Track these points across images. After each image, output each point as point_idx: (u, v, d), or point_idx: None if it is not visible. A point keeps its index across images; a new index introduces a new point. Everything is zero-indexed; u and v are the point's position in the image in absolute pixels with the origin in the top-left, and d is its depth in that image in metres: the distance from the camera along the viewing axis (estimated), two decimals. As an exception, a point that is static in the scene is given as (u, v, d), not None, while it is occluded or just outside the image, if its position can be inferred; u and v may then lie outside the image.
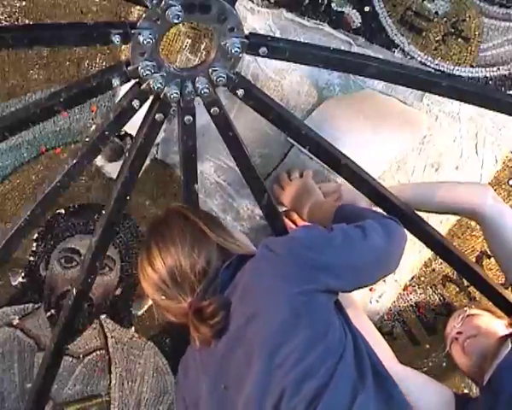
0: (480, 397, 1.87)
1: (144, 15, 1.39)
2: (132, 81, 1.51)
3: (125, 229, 2.08)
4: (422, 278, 2.22)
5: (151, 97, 1.54)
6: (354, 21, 1.88)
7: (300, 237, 1.48)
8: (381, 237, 1.49)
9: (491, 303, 2.01)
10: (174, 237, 1.49)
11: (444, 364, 2.30)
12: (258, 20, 1.83)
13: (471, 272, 1.94)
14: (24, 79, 1.82)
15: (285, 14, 1.85)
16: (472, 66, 1.94)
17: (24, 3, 1.73)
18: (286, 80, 1.92)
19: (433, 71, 1.92)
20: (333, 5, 1.86)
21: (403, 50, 1.91)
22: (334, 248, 1.45)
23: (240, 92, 1.57)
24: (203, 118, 1.63)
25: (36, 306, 2.13)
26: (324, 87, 1.94)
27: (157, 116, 1.56)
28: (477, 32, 1.91)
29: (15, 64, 1.80)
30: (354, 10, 1.87)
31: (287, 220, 1.92)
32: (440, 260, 2.14)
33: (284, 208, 1.97)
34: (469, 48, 1.93)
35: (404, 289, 2.22)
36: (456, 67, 1.94)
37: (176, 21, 1.39)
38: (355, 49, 1.88)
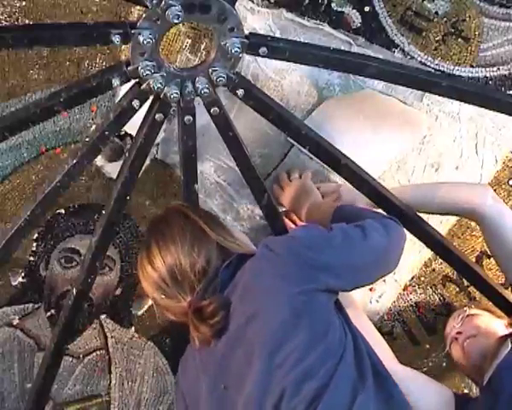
0: (479, 397, 1.87)
1: (144, 15, 1.39)
2: (132, 81, 1.51)
3: (125, 229, 2.08)
4: (422, 278, 2.22)
5: (151, 97, 1.54)
6: (354, 21, 1.88)
7: (300, 236, 1.48)
8: (380, 236, 1.49)
9: (490, 303, 2.01)
10: (174, 235, 1.49)
11: (444, 364, 2.30)
12: (258, 20, 1.83)
13: (471, 272, 1.94)
14: (24, 79, 1.82)
15: (285, 14, 1.85)
16: (472, 66, 1.94)
17: (24, 3, 1.73)
18: (286, 80, 1.92)
19: (433, 71, 1.92)
20: (333, 5, 1.86)
21: (403, 50, 1.91)
22: (334, 248, 1.45)
23: (240, 92, 1.57)
24: (203, 118, 1.63)
25: (36, 306, 2.13)
26: (324, 87, 1.94)
27: (157, 116, 1.56)
28: (477, 32, 1.91)
29: (15, 64, 1.80)
30: (354, 10, 1.87)
31: (287, 220, 1.92)
32: (440, 260, 2.14)
33: (284, 208, 1.97)
34: (469, 48, 1.93)
35: (404, 289, 2.22)
36: (456, 67, 1.94)
37: (176, 21, 1.39)
38: (355, 49, 1.88)
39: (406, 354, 2.21)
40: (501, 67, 1.95)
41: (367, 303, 2.21)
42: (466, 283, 2.18)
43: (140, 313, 2.19)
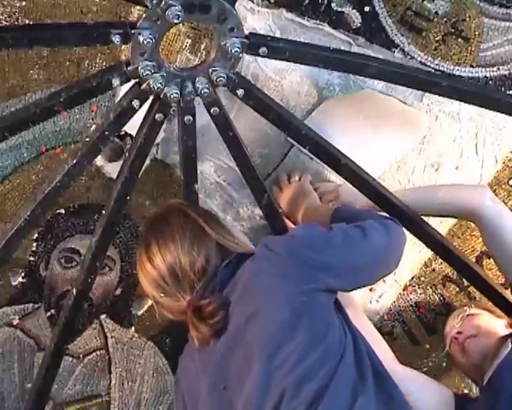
0: (480, 397, 1.87)
1: (144, 15, 1.39)
2: (132, 81, 1.51)
3: (125, 229, 2.08)
4: (422, 278, 2.22)
5: (151, 97, 1.54)
6: (354, 21, 1.88)
7: (300, 236, 1.48)
8: (380, 236, 1.49)
9: (490, 303, 2.01)
10: (174, 233, 1.48)
11: (444, 364, 2.30)
12: (258, 20, 1.83)
13: (471, 272, 1.94)
14: (24, 79, 1.82)
15: (285, 14, 1.85)
16: (472, 66, 1.94)
17: (24, 3, 1.73)
18: (286, 80, 1.92)
19: (433, 71, 1.92)
20: (333, 5, 1.86)
21: (403, 50, 1.91)
22: (334, 248, 1.45)
23: (240, 92, 1.57)
24: (203, 118, 1.63)
25: (36, 306, 2.13)
26: (324, 87, 1.94)
27: (157, 116, 1.56)
28: (477, 32, 1.91)
29: (15, 64, 1.80)
30: (354, 10, 1.87)
31: (287, 220, 1.92)
32: (440, 260, 2.14)
33: (283, 209, 1.97)
34: (469, 48, 1.93)
35: (404, 289, 2.22)
36: (456, 67, 1.94)
37: (176, 21, 1.39)
38: (355, 49, 1.88)
39: (406, 354, 2.21)
40: (501, 67, 1.95)
41: (367, 303, 2.21)
42: (466, 283, 2.18)
43: (140, 313, 2.19)
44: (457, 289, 2.22)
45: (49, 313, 2.11)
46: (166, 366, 2.25)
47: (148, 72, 1.46)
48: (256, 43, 1.50)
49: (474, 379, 2.02)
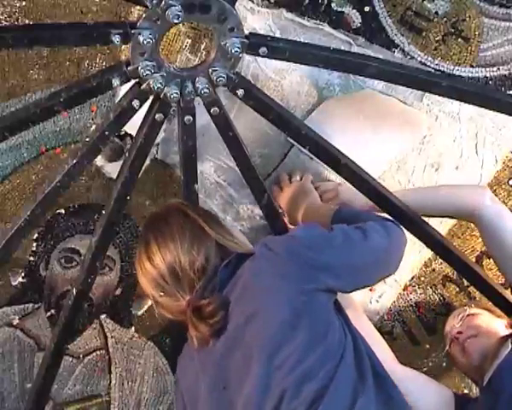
0: (480, 397, 1.87)
1: (144, 15, 1.39)
2: (132, 81, 1.51)
3: (125, 229, 2.08)
4: (422, 278, 2.22)
5: (151, 97, 1.54)
6: (354, 21, 1.88)
7: (300, 236, 1.48)
8: (381, 237, 1.49)
9: (490, 303, 2.01)
10: (173, 233, 1.48)
11: (444, 364, 2.30)
12: (258, 20, 1.83)
13: (471, 272, 1.94)
14: (24, 79, 1.82)
15: (285, 14, 1.85)
16: (472, 66, 1.94)
17: (24, 3, 1.73)
18: (286, 80, 1.92)
19: (433, 71, 1.92)
20: (333, 5, 1.86)
21: (403, 50, 1.91)
22: (335, 249, 1.45)
23: (240, 92, 1.57)
24: (203, 118, 1.63)
25: (36, 306, 2.13)
26: (324, 87, 1.94)
27: (157, 116, 1.56)
28: (477, 32, 1.91)
29: (15, 64, 1.80)
30: (354, 10, 1.87)
31: (287, 220, 1.92)
32: (440, 260, 2.14)
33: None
34: (469, 48, 1.93)
35: (404, 289, 2.22)
36: (456, 67, 1.94)
37: (176, 21, 1.39)
38: (355, 49, 1.88)
39: (406, 354, 2.21)
40: (501, 67, 1.95)
41: (367, 303, 2.21)
42: (466, 283, 2.18)
43: (140, 313, 2.19)
44: (457, 289, 2.22)
45: (49, 313, 2.11)
46: (166, 366, 2.25)
47: (148, 72, 1.46)
48: (256, 43, 1.50)
49: (474, 379, 2.02)
